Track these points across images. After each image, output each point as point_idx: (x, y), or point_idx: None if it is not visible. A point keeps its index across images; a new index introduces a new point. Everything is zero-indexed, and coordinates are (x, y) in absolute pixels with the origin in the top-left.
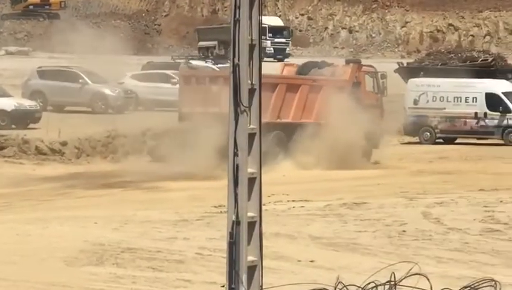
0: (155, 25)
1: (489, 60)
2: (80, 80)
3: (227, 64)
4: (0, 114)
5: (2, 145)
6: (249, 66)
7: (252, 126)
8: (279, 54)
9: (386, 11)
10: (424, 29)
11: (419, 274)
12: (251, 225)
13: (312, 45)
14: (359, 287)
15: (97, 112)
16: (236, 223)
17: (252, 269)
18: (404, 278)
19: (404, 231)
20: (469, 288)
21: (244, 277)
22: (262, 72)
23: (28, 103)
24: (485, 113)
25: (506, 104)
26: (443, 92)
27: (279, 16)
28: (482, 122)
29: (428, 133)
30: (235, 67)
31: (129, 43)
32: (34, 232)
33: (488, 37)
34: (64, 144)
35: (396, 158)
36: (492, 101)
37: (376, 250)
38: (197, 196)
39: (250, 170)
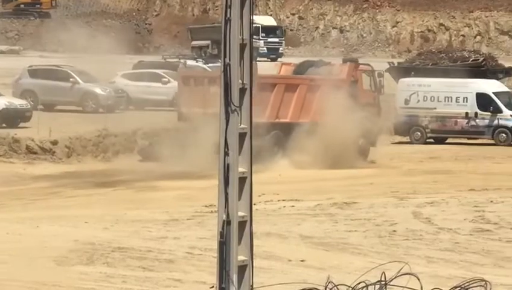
0: (146, 24)
1: (480, 60)
2: (71, 79)
3: (219, 64)
4: None
5: None
6: (239, 65)
7: (242, 126)
8: (273, 54)
9: (377, 10)
10: (415, 29)
11: (409, 274)
12: (241, 224)
13: (303, 44)
14: (349, 286)
15: (88, 111)
16: (227, 222)
17: (242, 269)
18: (394, 278)
19: (394, 230)
20: (459, 288)
21: (234, 277)
22: (260, 72)
23: (18, 102)
24: (476, 113)
25: (496, 104)
26: (434, 92)
27: (270, 16)
28: (472, 122)
29: (419, 133)
30: (226, 67)
31: (120, 42)
32: (24, 232)
33: (478, 37)
34: (54, 143)
35: (387, 158)
36: (483, 101)
37: (366, 250)
38: (187, 195)
39: (240, 170)
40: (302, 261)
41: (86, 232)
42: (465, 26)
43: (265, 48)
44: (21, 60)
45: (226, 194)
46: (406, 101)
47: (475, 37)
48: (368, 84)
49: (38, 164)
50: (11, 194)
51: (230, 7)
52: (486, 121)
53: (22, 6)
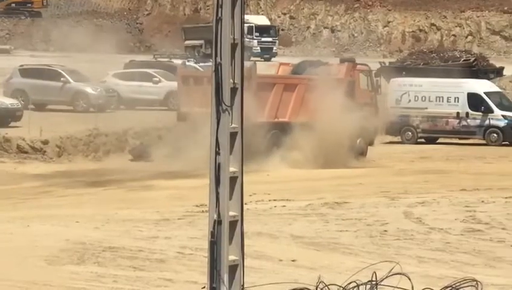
0: (137, 23)
1: (471, 60)
2: (62, 79)
3: (210, 64)
4: None
5: None
6: (231, 65)
7: (233, 125)
8: (266, 53)
9: (368, 10)
10: (406, 28)
11: (400, 274)
12: (232, 224)
13: (294, 44)
14: (340, 286)
15: (79, 111)
16: (218, 222)
17: (233, 269)
18: (385, 278)
19: (385, 230)
20: (450, 288)
21: (225, 276)
22: (259, 72)
23: (9, 101)
24: (467, 113)
25: (488, 104)
26: (425, 92)
27: (261, 15)
28: (463, 122)
29: (410, 133)
30: (217, 67)
31: (111, 41)
32: (15, 231)
33: (470, 37)
34: (45, 142)
35: (378, 158)
36: (474, 101)
37: (357, 250)
38: (179, 195)
39: (231, 169)
40: (293, 261)
41: (77, 232)
42: (456, 26)
43: (258, 48)
44: (12, 60)
45: (217, 193)
46: (397, 101)
47: (466, 37)
48: (365, 84)
49: (29, 163)
50: (1, 194)
51: (221, 7)
52: (478, 121)
53: (13, 5)
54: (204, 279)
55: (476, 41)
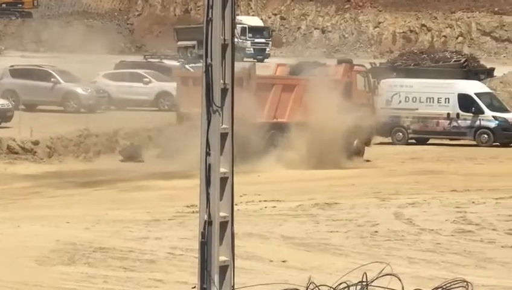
0: (128, 24)
1: (461, 61)
2: (52, 79)
3: (200, 64)
4: None
5: None
6: (221, 65)
7: (224, 126)
8: (259, 55)
9: (359, 11)
10: (397, 29)
11: (391, 275)
12: (223, 224)
13: (285, 45)
14: (331, 287)
15: (69, 111)
16: (208, 223)
17: (223, 269)
18: (376, 279)
19: (376, 231)
20: (441, 289)
21: (216, 277)
22: (257, 72)
23: None
24: (458, 114)
25: (478, 105)
26: (416, 93)
27: (252, 16)
28: (454, 123)
29: (401, 134)
30: (208, 67)
31: (101, 42)
32: (5, 231)
33: (460, 38)
34: (36, 143)
35: (369, 158)
36: (465, 101)
37: (348, 250)
38: (169, 195)
39: (222, 170)
40: (283, 261)
41: (67, 232)
42: (447, 27)
43: (252, 49)
44: (2, 60)
45: (208, 194)
46: (388, 102)
47: (457, 38)
48: (362, 84)
49: (19, 163)
50: None
51: (212, 7)
52: (468, 122)
53: (4, 6)
54: (194, 279)
55: (466, 42)
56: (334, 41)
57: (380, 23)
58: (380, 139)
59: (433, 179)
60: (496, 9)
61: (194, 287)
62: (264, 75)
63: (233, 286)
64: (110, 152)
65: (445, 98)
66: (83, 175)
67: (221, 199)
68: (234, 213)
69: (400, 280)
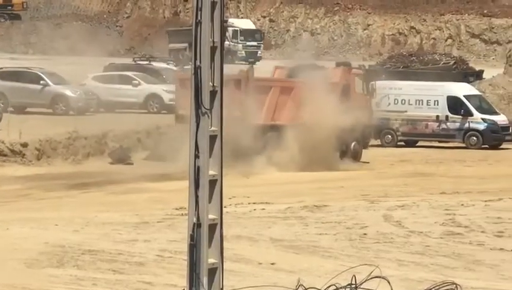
0: (117, 26)
1: (451, 63)
2: (41, 81)
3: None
4: None
5: None
6: (210, 68)
7: (213, 128)
8: (251, 58)
9: (348, 13)
10: (386, 32)
11: (380, 277)
12: (212, 227)
13: (274, 47)
14: (320, 289)
15: (58, 114)
16: (197, 225)
17: (212, 272)
18: (365, 281)
19: (365, 233)
20: None
21: (204, 280)
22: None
23: None
24: (447, 116)
25: (467, 107)
26: (405, 95)
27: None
28: (443, 125)
29: (390, 136)
30: (197, 70)
31: (90, 44)
32: None
33: (449, 40)
34: (24, 145)
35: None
36: (454, 104)
37: (337, 253)
38: (158, 198)
39: (211, 172)
40: (272, 264)
41: (56, 235)
42: (436, 29)
43: (243, 52)
44: None
45: (197, 197)
46: (377, 104)
47: (446, 40)
48: (360, 87)
49: (8, 166)
50: None
51: (201, 9)
52: (457, 124)
53: None
54: (183, 282)
55: (455, 45)
56: (323, 44)
57: (369, 25)
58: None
59: (422, 181)
60: (485, 11)
61: (183, 289)
62: (262, 77)
63: (222, 289)
64: (99, 154)
65: (434, 101)
66: (71, 177)
67: (210, 202)
68: (223, 215)
69: (389, 282)
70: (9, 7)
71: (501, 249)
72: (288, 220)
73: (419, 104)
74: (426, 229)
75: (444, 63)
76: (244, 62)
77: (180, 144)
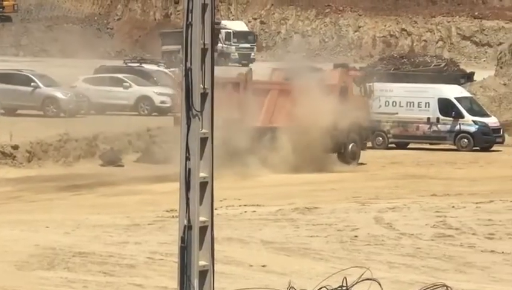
0: (107, 28)
1: (442, 65)
2: (32, 84)
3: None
4: None
5: None
6: (201, 70)
7: (204, 130)
8: (244, 60)
9: (339, 15)
10: (377, 34)
11: (371, 279)
12: (203, 229)
13: (265, 49)
14: None
15: (49, 116)
16: (188, 227)
17: (203, 274)
18: (356, 283)
19: (356, 236)
20: None
21: (195, 282)
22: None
23: None
24: (438, 119)
25: (458, 109)
26: (396, 97)
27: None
28: (434, 128)
29: (381, 138)
30: (188, 72)
31: (81, 46)
32: None
33: (440, 42)
34: (15, 147)
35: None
36: (445, 106)
37: (328, 255)
38: (149, 200)
39: (202, 174)
40: (263, 266)
41: (47, 237)
42: (427, 31)
43: (236, 54)
44: None
45: (187, 199)
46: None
47: (437, 42)
48: (357, 89)
49: None
50: None
51: (191, 11)
52: (448, 126)
53: None
54: (174, 284)
55: (446, 47)
56: (314, 46)
57: (360, 27)
58: None
59: (413, 183)
60: (476, 13)
61: None
62: (261, 80)
63: None
64: (90, 157)
65: (425, 103)
66: (62, 180)
67: (201, 204)
68: (214, 218)
69: (380, 284)
70: (0, 9)
71: (492, 251)
72: (279, 222)
73: (410, 106)
74: (417, 231)
75: (435, 65)
76: (237, 64)
77: (176, 145)
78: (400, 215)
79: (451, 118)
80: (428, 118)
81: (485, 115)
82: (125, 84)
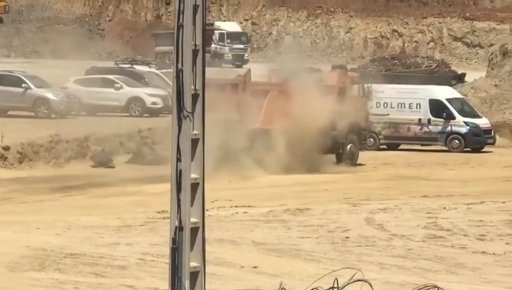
0: (99, 29)
1: (433, 66)
2: (23, 85)
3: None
4: None
5: None
6: (192, 71)
7: (195, 132)
8: (238, 61)
9: (330, 16)
10: (368, 35)
11: (362, 280)
12: (194, 230)
13: (256, 50)
14: None
15: (40, 117)
16: (179, 228)
17: (194, 275)
18: (347, 285)
19: (347, 237)
20: None
21: (186, 283)
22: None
23: None
24: (429, 120)
25: (449, 110)
26: (387, 98)
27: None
28: (425, 129)
29: (372, 139)
30: (179, 73)
31: (72, 47)
32: None
33: (432, 44)
34: (6, 148)
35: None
36: (436, 107)
37: (319, 256)
38: (140, 201)
39: (193, 176)
40: (254, 267)
41: (38, 238)
42: (418, 33)
43: (230, 55)
44: None
45: (179, 200)
46: None
47: (428, 44)
48: (356, 90)
49: None
50: None
51: (183, 13)
52: (439, 128)
53: None
54: (165, 285)
55: (437, 48)
56: (305, 47)
57: (351, 28)
58: None
59: (404, 184)
60: (467, 14)
61: None
62: (260, 81)
63: None
64: (81, 158)
65: (417, 104)
66: (53, 181)
67: (192, 205)
68: (205, 219)
69: (371, 285)
70: None
71: (483, 252)
72: (270, 223)
73: (401, 107)
74: (408, 232)
75: (426, 66)
76: (231, 65)
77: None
78: (391, 217)
79: (442, 119)
80: (420, 119)
81: (476, 116)
82: (116, 85)
